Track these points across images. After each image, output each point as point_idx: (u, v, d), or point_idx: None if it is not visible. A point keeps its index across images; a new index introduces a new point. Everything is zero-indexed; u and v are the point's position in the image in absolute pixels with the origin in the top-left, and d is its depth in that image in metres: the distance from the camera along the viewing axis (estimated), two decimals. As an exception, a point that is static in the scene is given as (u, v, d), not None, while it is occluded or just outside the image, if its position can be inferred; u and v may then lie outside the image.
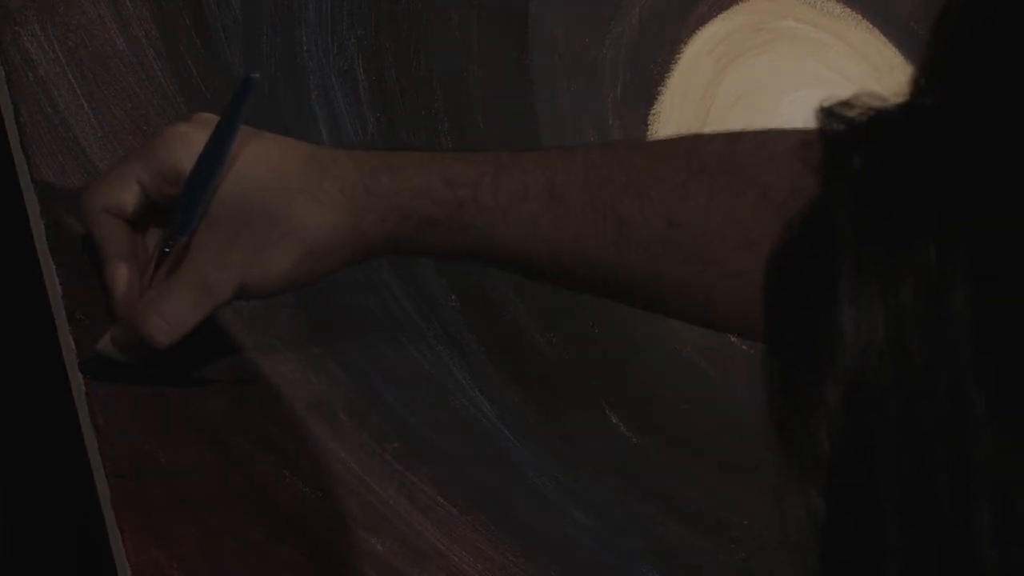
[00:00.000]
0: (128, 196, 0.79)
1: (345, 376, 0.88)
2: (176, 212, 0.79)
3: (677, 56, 1.08)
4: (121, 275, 0.80)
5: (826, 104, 0.45)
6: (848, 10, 1.13)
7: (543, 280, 0.83)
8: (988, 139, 0.42)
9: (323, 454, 0.86)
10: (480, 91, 1.00)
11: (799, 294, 0.45)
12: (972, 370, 0.41)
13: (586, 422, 0.97)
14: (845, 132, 0.45)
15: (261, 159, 0.79)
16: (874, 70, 1.13)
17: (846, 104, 0.45)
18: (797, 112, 1.09)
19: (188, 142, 0.78)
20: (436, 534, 0.87)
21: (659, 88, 1.06)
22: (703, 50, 1.08)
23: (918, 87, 0.44)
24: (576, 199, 0.78)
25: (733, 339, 1.01)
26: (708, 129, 1.06)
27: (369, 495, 0.86)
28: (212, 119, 0.79)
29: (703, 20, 1.09)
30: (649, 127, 1.05)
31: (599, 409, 0.97)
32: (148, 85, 0.89)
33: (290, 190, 0.78)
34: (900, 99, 0.44)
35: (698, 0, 1.09)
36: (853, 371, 0.42)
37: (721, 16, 1.10)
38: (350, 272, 0.90)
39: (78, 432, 0.80)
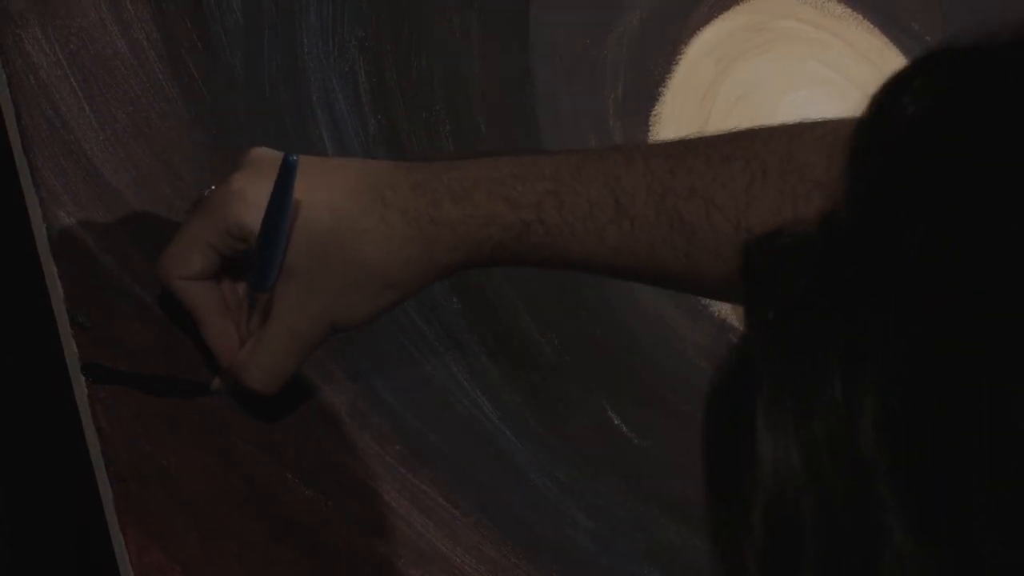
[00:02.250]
0: (200, 260, 0.81)
1: (347, 378, 0.89)
2: (251, 269, 0.80)
3: (678, 57, 1.08)
4: (218, 332, 0.82)
5: (752, 238, 0.47)
6: (849, 10, 1.13)
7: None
8: (893, 272, 0.43)
9: (325, 456, 0.86)
10: (481, 93, 1.00)
11: (728, 426, 0.46)
12: (885, 500, 0.41)
13: (588, 423, 0.97)
14: (767, 267, 0.46)
15: (323, 203, 0.79)
16: (875, 70, 1.13)
17: (773, 235, 0.46)
18: (797, 112, 1.09)
19: (245, 196, 0.79)
20: (438, 536, 0.88)
21: (660, 89, 1.07)
22: (704, 51, 1.09)
23: (836, 217, 0.45)
24: (641, 211, 0.78)
25: (734, 340, 1.01)
26: (710, 130, 1.06)
27: (371, 497, 0.86)
28: (261, 159, 0.80)
29: (704, 21, 1.09)
30: (650, 128, 1.05)
31: (601, 410, 0.98)
32: (149, 88, 0.89)
33: (357, 231, 0.79)
34: (823, 228, 0.45)
35: (699, 1, 1.09)
36: (772, 499, 0.43)
37: (722, 17, 1.10)
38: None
39: (80, 435, 0.80)
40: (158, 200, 0.86)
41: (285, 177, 0.78)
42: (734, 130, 0.80)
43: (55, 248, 0.82)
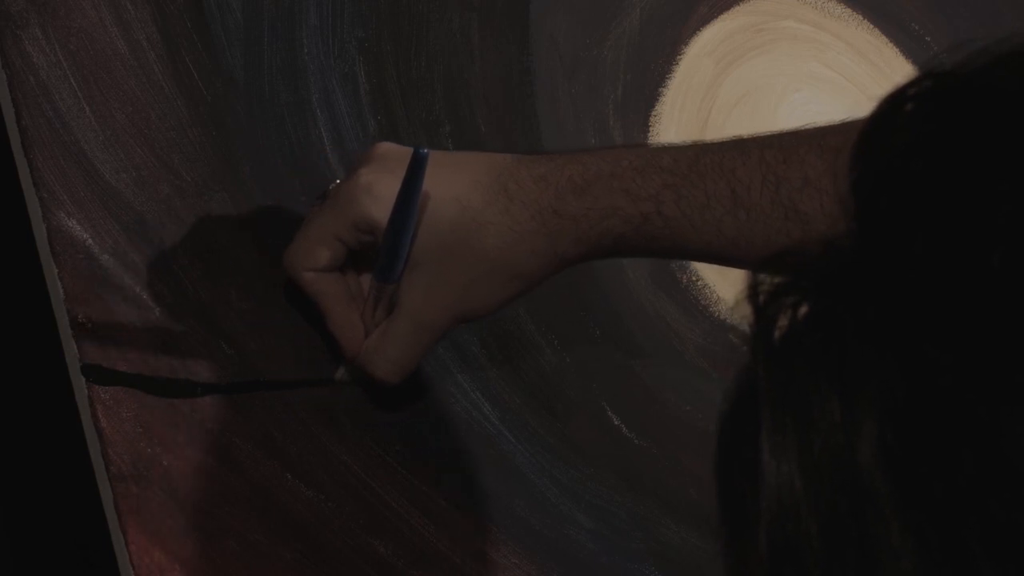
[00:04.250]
0: (328, 253, 0.83)
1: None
2: (378, 261, 0.82)
3: (678, 57, 1.08)
4: (344, 323, 0.84)
5: (757, 261, 0.47)
6: (849, 10, 1.13)
7: None
8: (891, 293, 0.43)
9: (325, 457, 0.86)
10: (481, 93, 1.00)
11: (737, 450, 0.46)
12: (888, 522, 0.42)
13: (588, 423, 0.97)
14: (770, 294, 0.46)
15: (450, 197, 0.80)
16: (875, 70, 1.13)
17: (777, 257, 0.47)
18: (797, 113, 1.09)
19: (373, 191, 0.81)
20: (438, 536, 0.88)
21: (660, 89, 1.06)
22: (704, 51, 1.08)
23: (838, 239, 0.46)
24: (757, 203, 0.79)
25: (735, 340, 1.01)
26: (710, 130, 1.06)
27: (371, 498, 0.86)
28: (387, 154, 0.82)
29: (704, 21, 1.09)
30: (650, 128, 1.05)
31: (601, 410, 0.97)
32: (149, 88, 0.89)
33: (481, 223, 0.80)
34: (826, 250, 0.46)
35: (699, 1, 1.09)
36: (776, 521, 0.44)
37: (722, 17, 1.10)
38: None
39: (80, 435, 0.80)
40: (158, 200, 0.86)
41: (415, 171, 0.79)
42: (845, 120, 0.81)
43: (55, 248, 0.82)
